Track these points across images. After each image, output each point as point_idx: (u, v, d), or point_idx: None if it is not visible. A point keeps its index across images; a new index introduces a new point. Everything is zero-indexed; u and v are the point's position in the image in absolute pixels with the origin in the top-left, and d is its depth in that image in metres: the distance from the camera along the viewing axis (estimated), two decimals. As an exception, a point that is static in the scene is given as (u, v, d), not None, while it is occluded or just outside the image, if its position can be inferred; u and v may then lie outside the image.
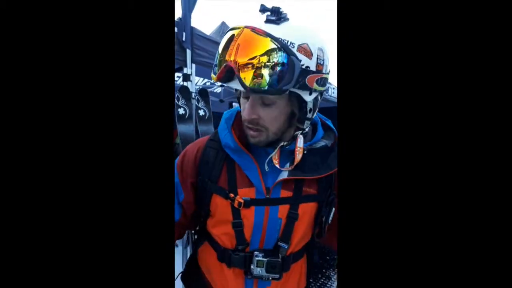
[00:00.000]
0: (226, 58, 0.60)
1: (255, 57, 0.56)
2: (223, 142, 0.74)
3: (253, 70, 0.57)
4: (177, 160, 0.84)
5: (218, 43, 0.64)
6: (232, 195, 0.73)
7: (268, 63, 0.56)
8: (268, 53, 0.56)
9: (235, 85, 0.60)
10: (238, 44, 0.58)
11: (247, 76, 0.57)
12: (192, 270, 0.91)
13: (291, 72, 0.57)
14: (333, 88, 4.60)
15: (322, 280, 1.02)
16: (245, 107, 0.68)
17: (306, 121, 0.69)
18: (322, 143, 0.76)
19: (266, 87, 0.57)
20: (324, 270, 1.03)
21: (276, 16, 0.60)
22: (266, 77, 0.56)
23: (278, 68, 0.57)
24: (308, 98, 0.64)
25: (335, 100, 4.56)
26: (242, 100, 0.71)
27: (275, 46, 0.56)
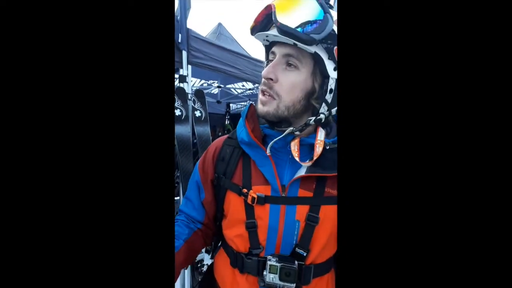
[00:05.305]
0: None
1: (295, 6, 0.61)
2: (239, 137, 0.74)
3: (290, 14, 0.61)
4: (199, 160, 0.86)
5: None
6: (245, 190, 0.70)
7: (305, 14, 0.61)
8: (307, 5, 0.61)
9: (270, 32, 0.63)
10: None
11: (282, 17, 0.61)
12: (207, 278, 0.85)
13: (323, 26, 0.60)
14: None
15: None
16: None
17: (323, 104, 0.66)
18: None
19: (299, 29, 0.60)
20: None
21: None
22: (300, 21, 0.60)
23: (313, 18, 0.61)
24: (333, 73, 0.64)
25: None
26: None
27: (315, 2, 0.62)
